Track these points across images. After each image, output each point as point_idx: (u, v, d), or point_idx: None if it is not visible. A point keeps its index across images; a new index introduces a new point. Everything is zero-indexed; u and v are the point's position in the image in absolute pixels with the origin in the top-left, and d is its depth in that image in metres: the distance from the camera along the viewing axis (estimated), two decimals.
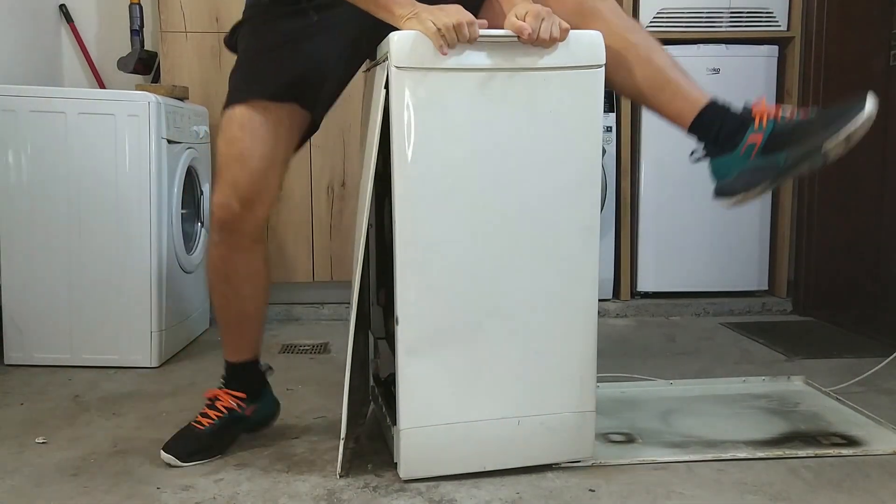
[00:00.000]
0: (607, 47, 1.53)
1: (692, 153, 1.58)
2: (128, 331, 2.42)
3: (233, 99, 1.61)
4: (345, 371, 1.58)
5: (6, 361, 2.43)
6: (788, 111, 1.52)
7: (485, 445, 1.60)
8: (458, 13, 1.44)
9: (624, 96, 1.71)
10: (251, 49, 1.66)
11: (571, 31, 1.50)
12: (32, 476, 1.63)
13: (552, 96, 1.52)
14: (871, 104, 1.42)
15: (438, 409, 1.57)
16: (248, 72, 1.65)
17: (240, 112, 1.59)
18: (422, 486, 1.55)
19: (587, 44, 1.53)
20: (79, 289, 2.41)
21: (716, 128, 1.53)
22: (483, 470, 1.60)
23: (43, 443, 1.81)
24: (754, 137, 1.49)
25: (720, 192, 1.54)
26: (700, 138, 1.57)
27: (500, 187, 1.53)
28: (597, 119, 1.57)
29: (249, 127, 1.58)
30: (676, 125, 1.60)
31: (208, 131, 2.90)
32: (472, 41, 1.45)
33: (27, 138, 2.38)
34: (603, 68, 1.53)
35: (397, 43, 1.46)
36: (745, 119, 1.52)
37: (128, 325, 2.42)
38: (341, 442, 1.60)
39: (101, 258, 2.40)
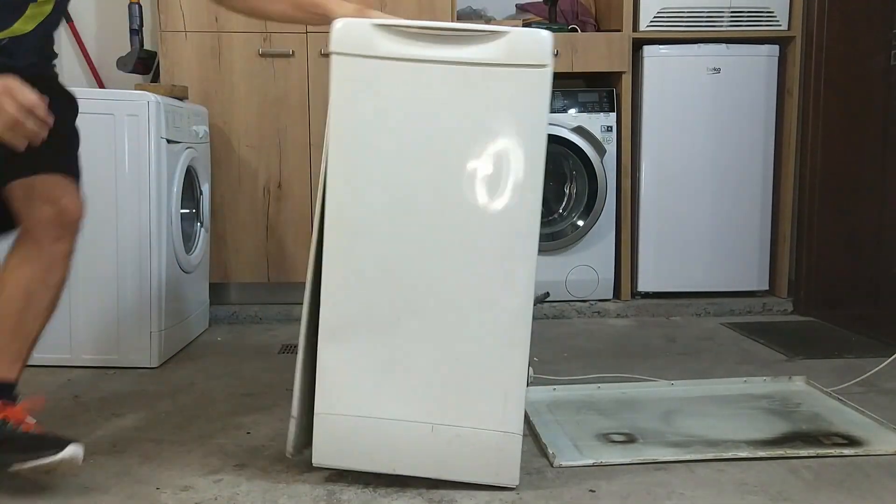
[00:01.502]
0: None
1: None
2: (128, 331, 2.42)
3: None
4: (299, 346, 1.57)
5: None
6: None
7: (397, 446, 1.55)
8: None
9: None
10: None
11: (516, 29, 1.50)
12: (32, 476, 1.63)
13: (489, 93, 1.49)
14: (71, 452, 1.50)
15: (352, 400, 1.55)
16: None
17: None
18: (422, 486, 1.55)
19: (531, 41, 1.49)
20: (79, 289, 2.40)
21: None
22: (394, 472, 1.56)
23: None
24: None
25: None
26: None
27: (431, 182, 1.51)
28: (540, 121, 1.50)
29: None
30: None
31: (208, 131, 2.90)
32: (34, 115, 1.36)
33: None
34: (548, 69, 1.49)
35: (339, 30, 1.49)
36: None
37: (128, 325, 2.42)
38: (292, 420, 1.59)
39: (100, 258, 2.39)
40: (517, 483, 1.55)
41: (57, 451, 1.51)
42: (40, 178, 1.58)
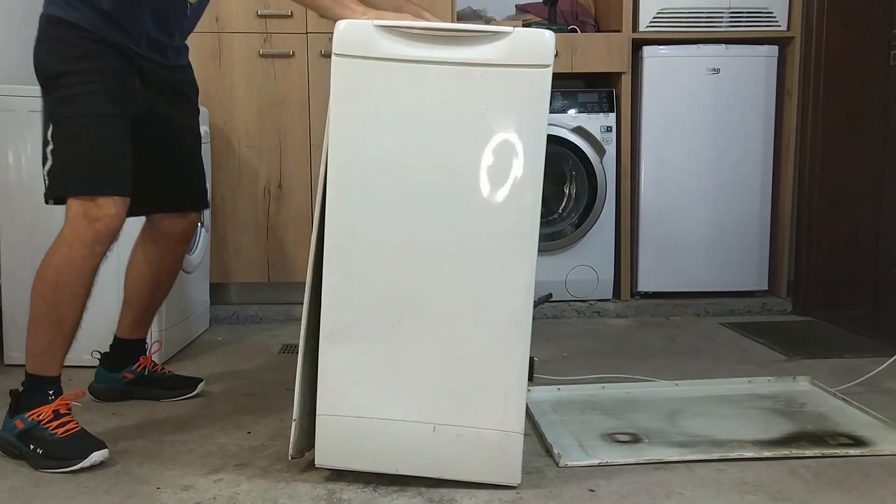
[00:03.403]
0: None
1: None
2: None
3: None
4: (299, 349, 1.57)
5: (6, 361, 2.43)
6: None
7: (398, 447, 1.56)
8: None
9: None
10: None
11: (517, 29, 1.50)
12: (32, 476, 1.63)
13: (490, 94, 1.49)
14: (202, 387, 2.14)
15: (353, 401, 1.55)
16: None
17: None
18: (422, 485, 1.56)
19: (533, 42, 1.48)
20: None
21: None
22: (396, 473, 1.57)
23: None
24: None
25: None
26: None
27: (431, 182, 1.51)
28: (540, 121, 1.50)
29: None
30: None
31: (208, 131, 2.90)
32: None
33: (27, 138, 2.38)
34: (549, 69, 1.48)
35: (341, 31, 1.49)
36: None
37: None
38: (294, 423, 1.59)
39: None
40: (519, 482, 1.55)
41: (192, 389, 2.12)
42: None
